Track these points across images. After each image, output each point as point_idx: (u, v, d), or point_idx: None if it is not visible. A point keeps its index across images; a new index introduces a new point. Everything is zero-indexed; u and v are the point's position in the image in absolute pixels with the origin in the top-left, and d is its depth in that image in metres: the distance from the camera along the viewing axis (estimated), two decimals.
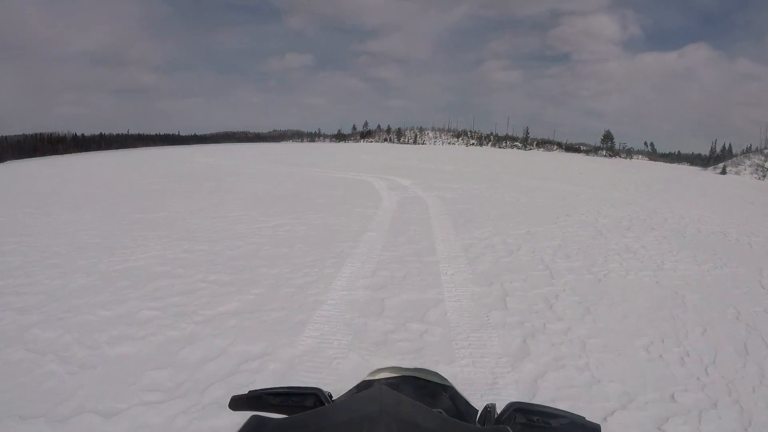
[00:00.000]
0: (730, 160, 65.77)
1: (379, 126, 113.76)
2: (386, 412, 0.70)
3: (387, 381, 1.15)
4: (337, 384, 3.58)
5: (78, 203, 14.01)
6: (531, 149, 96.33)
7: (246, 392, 1.05)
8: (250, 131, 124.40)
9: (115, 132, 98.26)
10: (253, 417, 0.76)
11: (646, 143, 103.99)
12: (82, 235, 9.18)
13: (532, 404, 0.94)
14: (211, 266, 7.04)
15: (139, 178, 22.23)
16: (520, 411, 0.93)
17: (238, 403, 1.04)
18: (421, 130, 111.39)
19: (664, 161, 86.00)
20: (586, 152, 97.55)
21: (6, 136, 74.45)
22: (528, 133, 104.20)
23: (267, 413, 0.84)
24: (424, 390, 1.13)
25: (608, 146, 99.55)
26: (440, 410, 0.97)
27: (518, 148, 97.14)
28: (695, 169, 60.65)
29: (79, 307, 5.32)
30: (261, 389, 1.04)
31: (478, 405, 1.12)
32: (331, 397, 1.05)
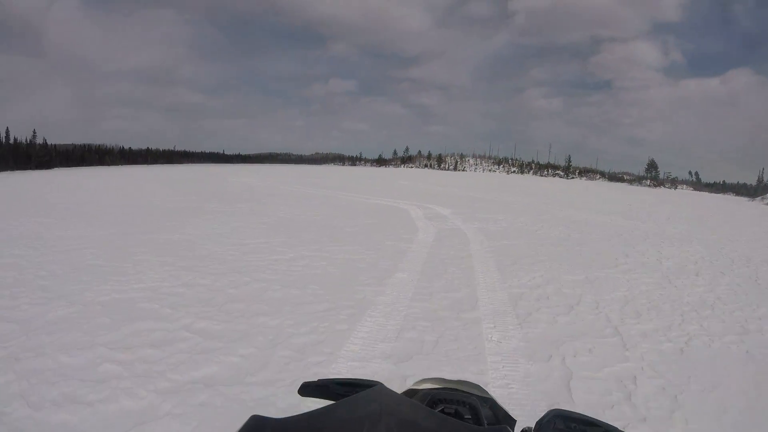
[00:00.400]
0: None
1: (419, 152, 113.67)
2: (386, 411, 0.70)
3: (430, 391, 1.15)
4: None
5: (99, 217, 13.44)
6: (573, 178, 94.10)
7: (316, 380, 1.09)
8: (293, 153, 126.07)
9: (162, 147, 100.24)
10: (253, 417, 0.73)
11: (690, 173, 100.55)
12: (86, 254, 8.47)
13: (572, 412, 0.96)
14: (205, 308, 5.81)
15: (170, 194, 21.53)
16: (559, 417, 0.94)
17: (308, 389, 1.08)
18: (461, 156, 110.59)
19: (709, 191, 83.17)
20: (630, 182, 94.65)
21: (55, 145, 76.48)
22: (570, 161, 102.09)
23: (330, 401, 0.90)
24: (464, 406, 1.10)
25: (653, 175, 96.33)
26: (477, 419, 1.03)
27: (560, 176, 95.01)
28: (742, 200, 58.27)
29: (45, 346, 4.57)
30: (329, 379, 1.08)
31: (515, 415, 1.13)
32: None
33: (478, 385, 1.18)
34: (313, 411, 0.77)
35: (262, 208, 16.74)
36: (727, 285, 8.23)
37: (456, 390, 1.14)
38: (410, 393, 1.16)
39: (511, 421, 1.12)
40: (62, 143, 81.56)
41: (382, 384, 0.90)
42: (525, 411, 3.59)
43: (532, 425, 0.98)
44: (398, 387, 1.03)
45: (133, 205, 16.77)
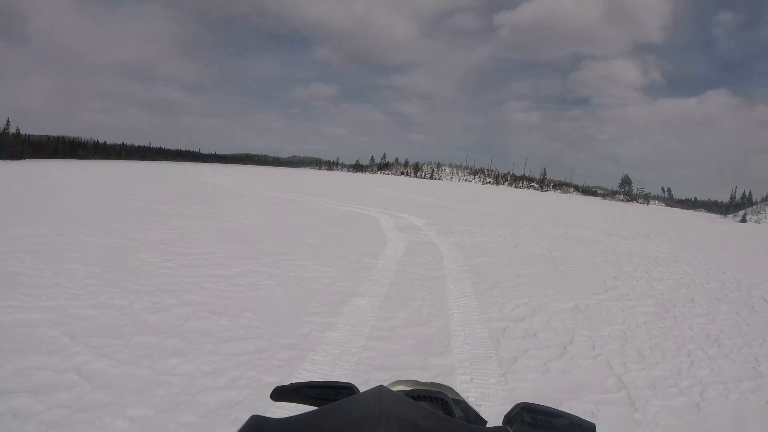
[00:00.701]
0: (750, 208, 64.03)
1: (397, 159, 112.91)
2: (386, 412, 0.68)
3: (404, 393, 1.10)
4: None
5: (46, 213, 12.08)
6: (547, 190, 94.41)
7: (288, 384, 1.06)
8: (270, 155, 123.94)
9: (137, 143, 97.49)
10: (253, 417, 0.72)
11: (663, 189, 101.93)
12: (11, 260, 7.13)
13: (538, 405, 0.95)
14: (110, 340, 4.54)
15: (133, 192, 19.85)
16: (526, 410, 0.93)
17: (279, 393, 1.05)
18: (438, 165, 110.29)
19: (680, 207, 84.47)
20: (603, 196, 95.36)
21: (29, 135, 73.75)
22: (545, 174, 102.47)
23: (304, 405, 0.97)
24: (437, 403, 1.05)
25: (626, 191, 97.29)
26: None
27: (534, 188, 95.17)
28: (714, 217, 58.95)
29: None
30: (301, 382, 1.05)
31: (486, 416, 1.12)
32: None
33: (451, 388, 1.14)
34: (313, 411, 0.76)
35: (221, 212, 15.25)
36: (726, 314, 7.43)
37: (430, 392, 1.09)
38: None
39: (482, 422, 1.09)
40: (37, 134, 79.22)
41: (382, 384, 0.88)
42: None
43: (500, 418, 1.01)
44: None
45: (86, 202, 15.09)
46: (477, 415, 1.11)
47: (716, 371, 4.99)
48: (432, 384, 1.14)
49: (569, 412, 0.94)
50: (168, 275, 6.94)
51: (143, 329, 4.84)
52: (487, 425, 0.99)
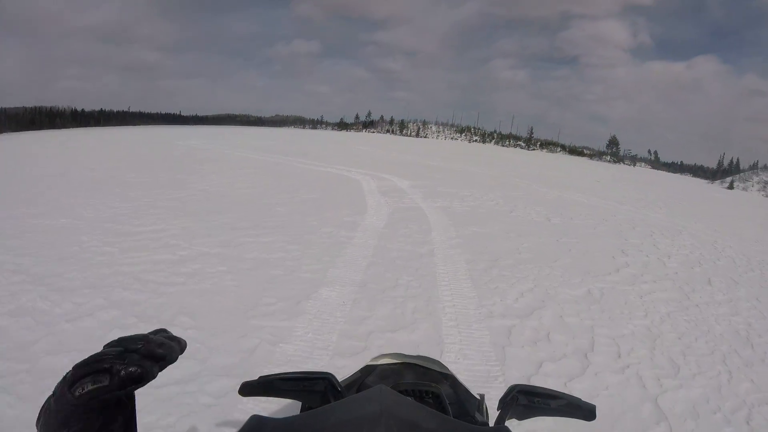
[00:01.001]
0: (737, 176, 64.20)
1: (382, 117, 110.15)
2: (386, 412, 0.68)
3: (389, 366, 1.17)
4: None
5: None
6: (534, 149, 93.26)
7: (257, 378, 1.03)
8: (252, 115, 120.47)
9: (116, 109, 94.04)
10: (253, 417, 0.73)
11: (650, 151, 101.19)
12: None
13: (534, 386, 0.97)
14: (7, 370, 3.32)
15: (98, 161, 18.04)
16: (522, 393, 0.95)
17: (248, 389, 1.02)
18: (424, 123, 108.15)
19: (666, 170, 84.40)
20: (590, 156, 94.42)
21: (5, 108, 70.96)
22: (532, 133, 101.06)
23: (277, 398, 0.97)
24: (425, 377, 1.12)
25: (613, 152, 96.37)
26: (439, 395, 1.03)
27: (521, 147, 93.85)
28: (701, 182, 59.16)
29: None
30: (272, 375, 1.02)
31: (477, 394, 1.14)
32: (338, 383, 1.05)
33: (439, 361, 1.16)
34: (313, 411, 0.76)
35: (189, 178, 13.78)
36: (746, 301, 6.33)
37: (416, 366, 1.13)
38: (368, 369, 1.20)
39: (473, 399, 1.11)
40: (13, 106, 75.86)
41: (381, 384, 0.86)
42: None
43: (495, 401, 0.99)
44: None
45: (44, 175, 13.36)
46: (467, 391, 1.15)
47: (758, 385, 3.96)
48: (418, 357, 1.16)
49: (563, 391, 0.94)
50: (104, 264, 5.62)
51: (55, 347, 3.63)
52: (483, 417, 1.11)
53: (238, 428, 0.70)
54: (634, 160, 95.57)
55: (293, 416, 0.72)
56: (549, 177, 24.70)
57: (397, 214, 9.53)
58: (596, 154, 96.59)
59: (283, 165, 19.39)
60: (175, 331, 1.62)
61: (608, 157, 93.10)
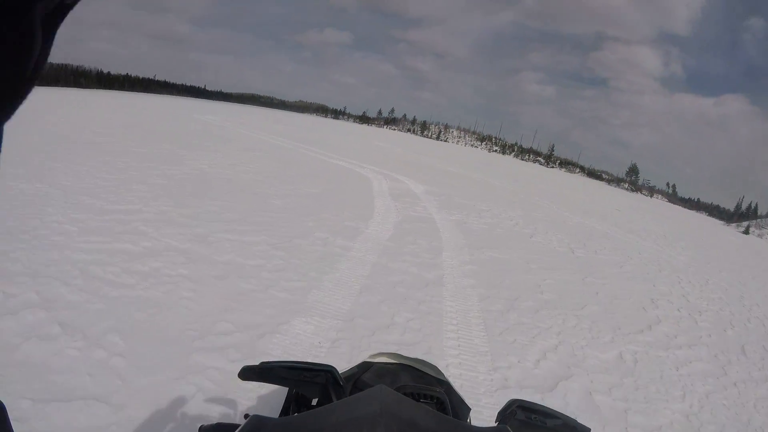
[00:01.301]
0: (754, 221, 62.87)
1: (405, 115, 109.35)
2: (386, 411, 0.68)
3: (386, 365, 1.16)
4: None
5: None
6: (553, 167, 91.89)
7: (258, 363, 1.02)
8: (277, 98, 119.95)
9: (141, 75, 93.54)
10: (254, 416, 0.72)
11: (668, 184, 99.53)
12: None
13: (533, 403, 0.96)
14: None
15: (106, 126, 17.00)
16: (521, 408, 0.94)
17: (248, 373, 1.02)
18: (446, 127, 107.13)
19: (683, 205, 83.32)
20: (608, 181, 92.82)
21: None
22: (553, 150, 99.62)
23: (276, 385, 0.97)
24: (421, 381, 1.11)
25: (632, 180, 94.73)
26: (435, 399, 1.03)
27: (540, 163, 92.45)
28: (717, 222, 58.42)
29: None
30: (274, 361, 1.01)
31: (470, 404, 1.10)
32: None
33: (435, 366, 1.16)
34: (313, 411, 0.80)
35: (191, 154, 12.77)
36: None
37: (413, 368, 1.12)
38: (366, 365, 1.18)
39: (465, 409, 1.10)
40: None
41: (381, 384, 0.85)
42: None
43: (494, 415, 0.96)
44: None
45: (48, 134, 12.18)
46: (461, 399, 1.13)
47: None
48: (416, 360, 1.14)
49: (562, 412, 0.92)
50: (56, 246, 4.62)
51: None
52: (470, 413, 1.11)
53: (239, 428, 0.68)
54: (651, 190, 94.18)
55: (293, 416, 0.79)
56: (569, 198, 23.50)
57: (407, 225, 8.41)
58: (614, 180, 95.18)
59: (295, 152, 18.34)
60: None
61: (626, 185, 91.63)
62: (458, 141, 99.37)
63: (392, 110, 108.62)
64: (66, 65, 79.03)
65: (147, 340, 3.29)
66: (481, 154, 70.93)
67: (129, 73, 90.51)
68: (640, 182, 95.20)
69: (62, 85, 67.69)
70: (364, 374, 1.18)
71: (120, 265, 4.51)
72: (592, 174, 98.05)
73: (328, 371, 1.00)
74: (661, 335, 5.74)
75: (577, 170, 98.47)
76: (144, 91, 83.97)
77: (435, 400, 1.02)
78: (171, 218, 6.32)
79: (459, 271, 6.21)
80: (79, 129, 14.12)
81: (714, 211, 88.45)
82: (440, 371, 1.17)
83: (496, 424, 0.93)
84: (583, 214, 17.26)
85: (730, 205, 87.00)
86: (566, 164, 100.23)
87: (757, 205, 78.72)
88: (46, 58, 0.31)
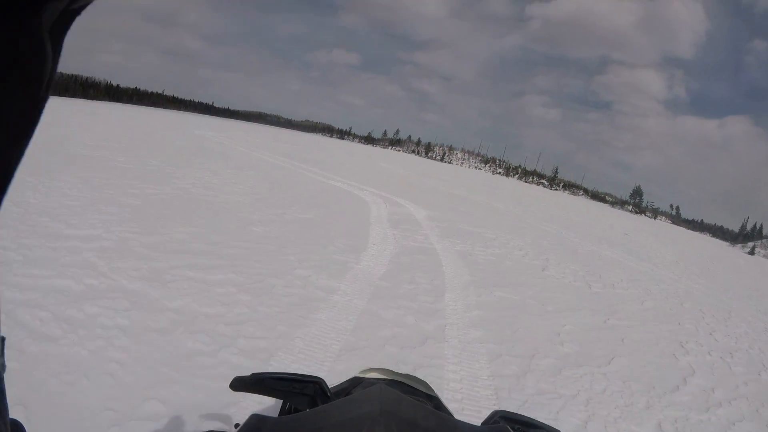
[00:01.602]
0: (760, 242, 62.35)
1: (410, 136, 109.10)
2: (386, 411, 0.66)
3: (376, 380, 1.12)
4: None
5: None
6: (557, 190, 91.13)
7: (249, 375, 1.02)
8: (283, 116, 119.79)
9: (150, 89, 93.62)
10: (254, 416, 0.70)
11: (671, 206, 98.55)
12: None
13: (516, 414, 0.94)
14: None
15: (104, 138, 16.14)
16: (504, 419, 0.92)
17: (240, 384, 1.01)
18: (450, 148, 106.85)
19: (686, 227, 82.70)
20: (612, 203, 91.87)
21: None
22: (557, 173, 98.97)
23: (267, 396, 0.98)
24: (411, 396, 1.02)
25: (635, 202, 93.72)
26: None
27: (543, 185, 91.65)
28: (722, 243, 58.15)
29: None
30: (265, 373, 1.02)
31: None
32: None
33: (425, 382, 1.15)
34: (312, 410, 0.78)
35: (176, 171, 11.86)
36: None
37: (404, 384, 1.10)
38: (356, 380, 1.19)
39: None
40: None
41: (381, 384, 0.84)
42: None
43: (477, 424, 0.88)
44: (344, 377, 1.04)
45: (37, 144, 11.49)
46: (450, 414, 1.07)
47: None
48: (406, 376, 1.13)
49: (547, 423, 0.89)
50: None
51: None
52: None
53: (239, 427, 0.66)
54: (655, 212, 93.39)
55: (293, 415, 0.70)
56: (576, 223, 22.50)
57: (405, 257, 7.37)
58: (618, 202, 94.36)
59: (292, 172, 17.43)
60: None
61: (630, 207, 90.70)
62: (462, 163, 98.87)
63: (397, 131, 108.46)
64: (76, 76, 79.21)
65: (52, 423, 2.35)
66: (484, 176, 70.15)
67: (138, 87, 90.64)
68: (643, 204, 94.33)
69: (70, 96, 67.60)
70: (354, 389, 1.14)
71: (52, 309, 3.59)
72: (596, 196, 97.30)
73: (315, 382, 0.97)
74: (698, 391, 4.81)
75: (581, 192, 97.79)
76: (152, 106, 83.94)
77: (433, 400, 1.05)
78: (130, 248, 5.37)
79: (464, 320, 5.15)
80: (68, 141, 13.24)
81: (718, 231, 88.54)
82: (430, 387, 1.14)
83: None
84: (593, 240, 16.23)
85: (733, 226, 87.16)
86: (570, 186, 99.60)
87: (762, 225, 78.45)
88: (55, 71, 0.28)
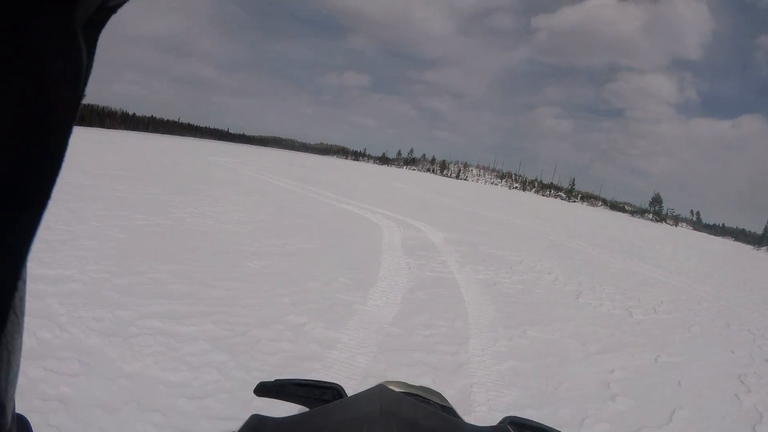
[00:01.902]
0: None
1: (424, 155, 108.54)
2: (386, 411, 0.64)
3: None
4: None
5: None
6: (575, 201, 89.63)
7: (273, 380, 0.98)
8: (298, 140, 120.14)
9: (166, 117, 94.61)
10: (254, 416, 0.69)
11: (692, 212, 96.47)
12: None
13: (528, 420, 0.87)
14: None
15: (110, 165, 15.52)
16: (514, 425, 0.85)
17: (264, 389, 0.98)
18: (465, 165, 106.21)
19: (708, 232, 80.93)
20: (631, 213, 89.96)
21: None
22: (574, 184, 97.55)
23: (289, 402, 0.92)
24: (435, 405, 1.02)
25: (656, 210, 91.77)
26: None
27: (561, 198, 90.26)
28: (746, 247, 57.56)
29: None
30: (287, 379, 0.97)
31: None
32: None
33: (440, 393, 1.10)
34: (312, 410, 0.74)
35: (174, 198, 11.14)
36: None
37: (418, 396, 1.02)
38: None
39: None
40: None
41: (382, 384, 0.83)
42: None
43: None
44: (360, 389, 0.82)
45: None
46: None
47: None
48: (421, 388, 1.08)
49: (558, 429, 0.84)
50: None
51: None
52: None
53: (239, 427, 0.65)
54: (676, 219, 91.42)
55: (293, 415, 0.68)
56: (600, 236, 21.39)
57: (420, 292, 6.39)
58: (638, 211, 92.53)
59: (301, 196, 16.63)
60: None
61: (650, 215, 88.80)
62: (478, 179, 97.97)
63: (411, 150, 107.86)
64: (92, 105, 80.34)
65: None
66: (501, 191, 69.04)
67: (154, 115, 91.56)
68: (664, 212, 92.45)
69: (87, 125, 68.26)
70: None
71: None
72: (615, 206, 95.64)
73: (334, 389, 0.93)
74: None
75: (599, 203, 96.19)
76: (167, 133, 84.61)
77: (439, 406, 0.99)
78: (99, 291, 4.55)
79: (494, 376, 4.14)
80: (70, 171, 12.61)
81: (740, 235, 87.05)
82: (444, 398, 1.05)
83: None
84: (623, 255, 15.11)
85: (756, 228, 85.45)
86: (588, 198, 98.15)
87: None
88: (90, 70, 0.26)
